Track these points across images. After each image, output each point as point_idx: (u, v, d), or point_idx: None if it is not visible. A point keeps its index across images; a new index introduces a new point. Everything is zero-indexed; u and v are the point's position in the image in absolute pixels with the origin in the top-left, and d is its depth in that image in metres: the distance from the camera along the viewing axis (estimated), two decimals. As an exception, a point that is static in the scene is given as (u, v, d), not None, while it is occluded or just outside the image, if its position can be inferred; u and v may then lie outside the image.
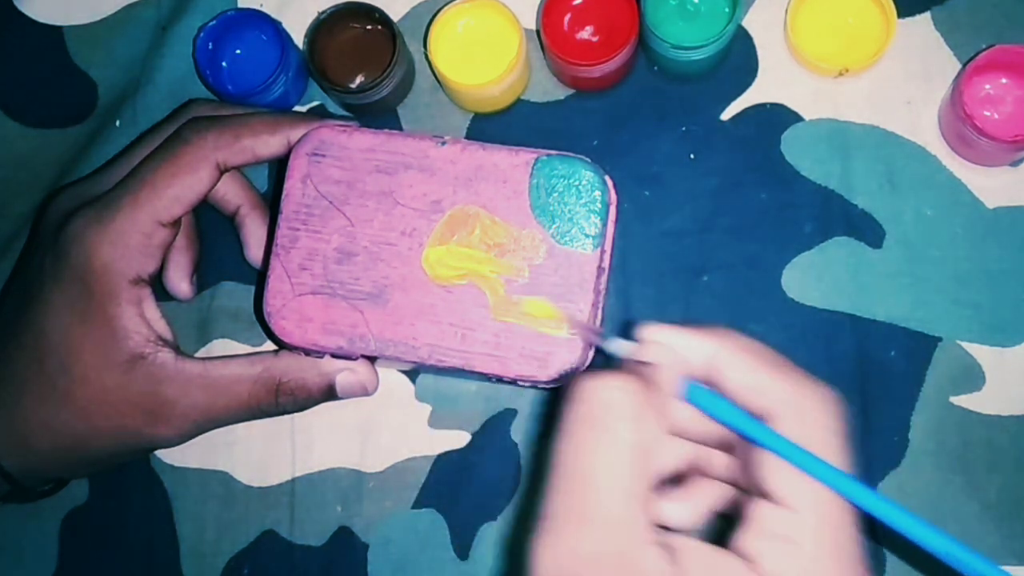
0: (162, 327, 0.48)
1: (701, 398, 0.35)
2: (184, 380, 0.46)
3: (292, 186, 0.46)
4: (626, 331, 0.37)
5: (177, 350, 0.47)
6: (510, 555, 0.50)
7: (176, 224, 0.48)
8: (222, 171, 0.48)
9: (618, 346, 0.37)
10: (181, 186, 0.47)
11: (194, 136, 0.47)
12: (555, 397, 0.51)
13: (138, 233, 0.46)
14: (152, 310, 0.47)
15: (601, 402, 0.33)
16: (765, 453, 0.33)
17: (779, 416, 0.34)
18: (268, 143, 0.48)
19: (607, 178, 0.45)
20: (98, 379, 0.46)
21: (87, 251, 0.46)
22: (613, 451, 0.32)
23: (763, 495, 0.33)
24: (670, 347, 0.35)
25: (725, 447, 0.38)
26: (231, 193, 0.51)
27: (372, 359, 0.47)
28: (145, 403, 0.46)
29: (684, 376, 0.35)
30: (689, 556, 0.32)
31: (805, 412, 0.34)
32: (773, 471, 0.33)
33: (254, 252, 0.52)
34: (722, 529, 0.40)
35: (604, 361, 0.38)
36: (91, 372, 0.46)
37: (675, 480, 0.40)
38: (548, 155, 0.45)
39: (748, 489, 0.35)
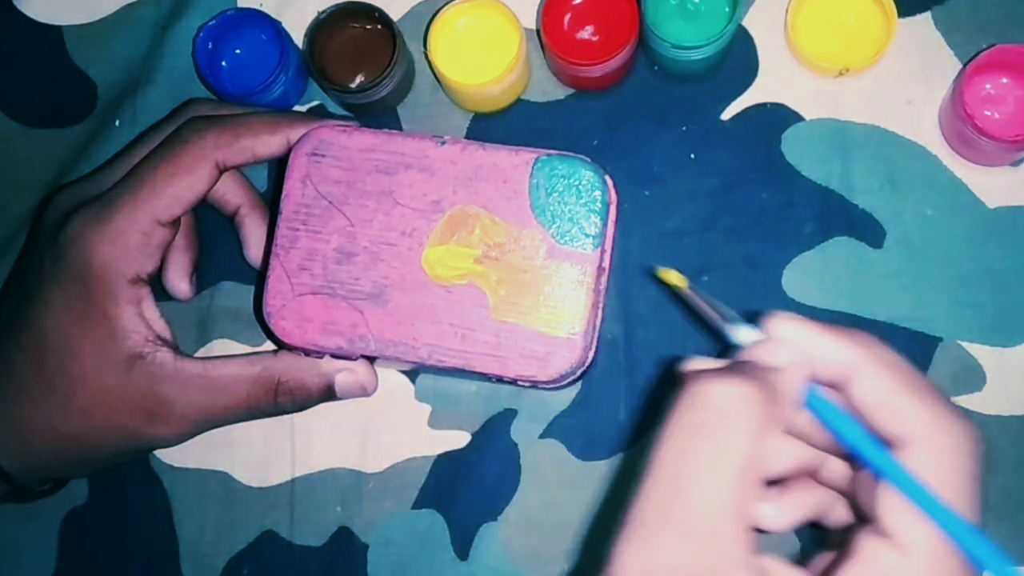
0: (161, 327, 0.48)
1: (825, 412, 0.32)
2: (183, 380, 0.46)
3: (292, 186, 0.46)
4: (749, 317, 0.34)
5: (176, 350, 0.47)
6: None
7: (175, 224, 0.48)
8: (221, 171, 0.48)
9: (743, 334, 0.33)
10: (180, 186, 0.47)
11: (194, 136, 0.47)
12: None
13: (137, 232, 0.46)
14: (151, 310, 0.47)
15: (716, 408, 0.30)
16: (887, 483, 0.30)
17: (910, 446, 0.31)
18: (268, 143, 0.48)
19: (607, 178, 0.45)
20: (97, 379, 0.46)
21: (86, 250, 0.46)
22: (721, 462, 0.30)
23: (875, 527, 0.31)
24: (800, 347, 0.32)
25: (843, 455, 0.35)
26: (231, 193, 0.51)
27: (372, 359, 0.47)
28: (144, 403, 0.46)
29: (810, 383, 0.32)
30: None
31: (940, 448, 0.30)
32: (892, 505, 0.30)
33: (254, 252, 0.52)
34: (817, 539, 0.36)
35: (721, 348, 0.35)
36: (90, 372, 0.46)
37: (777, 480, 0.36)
38: (548, 155, 0.45)
39: (860, 513, 0.32)
